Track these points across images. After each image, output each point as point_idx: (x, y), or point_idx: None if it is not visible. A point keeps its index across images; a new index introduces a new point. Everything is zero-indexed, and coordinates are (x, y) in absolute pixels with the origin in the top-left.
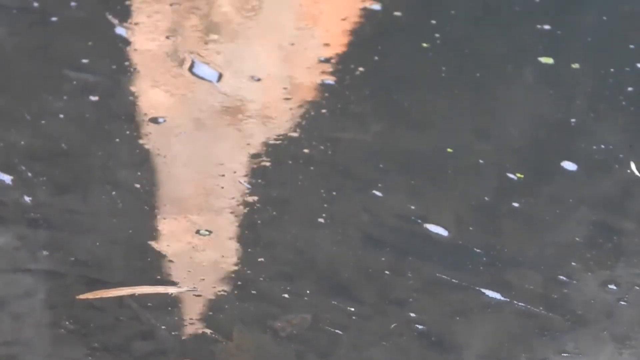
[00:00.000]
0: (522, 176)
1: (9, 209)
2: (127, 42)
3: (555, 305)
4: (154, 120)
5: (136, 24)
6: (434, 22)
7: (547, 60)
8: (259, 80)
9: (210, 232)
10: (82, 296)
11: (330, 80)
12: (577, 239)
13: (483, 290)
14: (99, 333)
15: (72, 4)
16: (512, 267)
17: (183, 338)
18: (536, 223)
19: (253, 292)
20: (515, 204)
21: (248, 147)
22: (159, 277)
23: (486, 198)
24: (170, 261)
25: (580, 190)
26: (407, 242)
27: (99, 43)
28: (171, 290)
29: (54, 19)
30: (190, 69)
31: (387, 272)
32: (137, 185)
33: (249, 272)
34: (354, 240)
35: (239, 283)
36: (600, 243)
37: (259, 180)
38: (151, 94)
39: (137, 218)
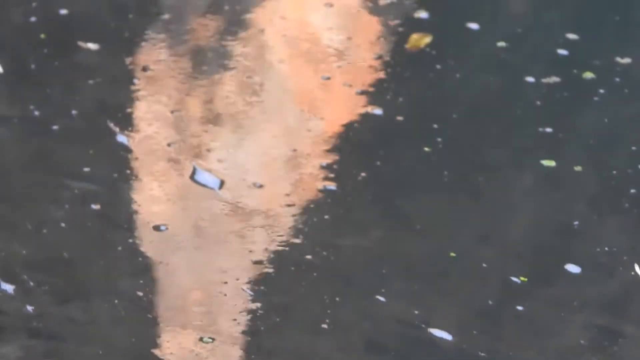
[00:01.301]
0: (525, 279)
1: (11, 319)
2: (128, 150)
3: None
4: (156, 228)
5: (137, 131)
6: (435, 126)
7: (550, 163)
8: (261, 186)
9: (213, 339)
10: None
11: (331, 186)
12: (581, 342)
13: None
14: None
15: (73, 112)
16: None
17: None
18: (540, 326)
19: None
20: (519, 308)
21: (250, 254)
22: None
23: (490, 302)
24: None
25: (584, 293)
26: (411, 347)
27: (100, 151)
28: None
29: (55, 127)
30: (192, 176)
31: None
32: (140, 294)
33: None
34: (357, 346)
35: None
36: (605, 346)
37: (262, 287)
38: (153, 202)
39: (140, 327)
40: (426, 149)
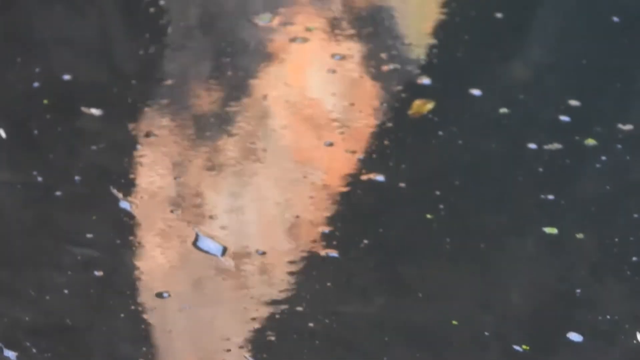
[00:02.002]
0: (527, 348)
1: None
2: (131, 217)
3: None
4: (159, 294)
5: (140, 198)
6: (437, 193)
7: (551, 230)
8: (263, 253)
9: None
10: None
11: (334, 253)
12: None
13: None
14: None
15: (76, 178)
16: None
17: None
18: None
19: None
20: None
21: (253, 321)
22: None
23: None
24: None
25: None
26: None
27: (102, 217)
28: None
29: (57, 193)
30: (195, 242)
31: None
32: None
33: None
34: None
35: None
36: None
37: (265, 355)
38: (155, 269)
39: None
40: (428, 215)
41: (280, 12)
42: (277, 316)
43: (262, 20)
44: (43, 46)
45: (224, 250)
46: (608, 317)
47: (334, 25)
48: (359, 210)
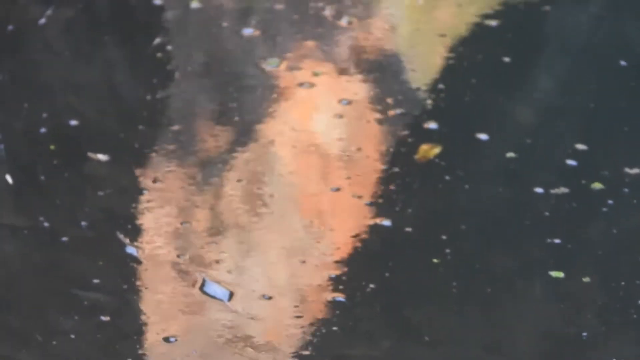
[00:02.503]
0: None
1: None
2: (137, 261)
3: None
4: (166, 339)
5: (147, 243)
6: (444, 237)
7: (558, 274)
8: (270, 298)
9: None
10: None
11: (340, 297)
12: None
13: None
14: None
15: (83, 223)
16: None
17: None
18: None
19: None
20: None
21: None
22: None
23: None
24: None
25: None
26: None
27: (109, 262)
28: None
29: (64, 238)
30: (201, 287)
31: None
32: None
33: None
34: None
35: None
36: None
37: None
38: (162, 313)
39: None
40: (435, 260)
41: (287, 56)
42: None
43: (270, 65)
44: (50, 92)
45: (231, 295)
46: (614, 359)
47: (341, 70)
48: (366, 254)
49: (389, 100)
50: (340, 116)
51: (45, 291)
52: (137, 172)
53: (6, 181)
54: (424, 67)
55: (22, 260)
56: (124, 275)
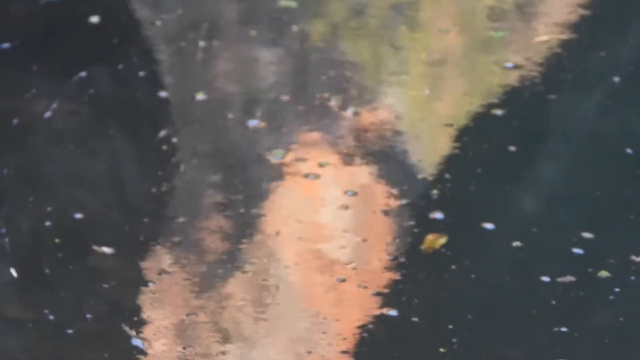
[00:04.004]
0: None
1: None
2: (143, 354)
3: None
4: None
5: (152, 335)
6: (451, 326)
7: None
8: None
9: None
10: None
11: None
12: None
13: None
14: None
15: (88, 316)
16: None
17: None
18: None
19: None
20: None
21: None
22: None
23: None
24: None
25: None
26: None
27: (115, 355)
28: None
29: (69, 331)
30: None
31: None
32: None
33: None
34: None
35: None
36: None
37: None
38: None
39: None
40: (441, 349)
41: (292, 147)
42: None
43: (275, 156)
44: (55, 185)
45: None
46: None
47: (346, 161)
48: (372, 344)
49: (395, 191)
50: (346, 207)
51: None
52: (142, 264)
53: (11, 274)
54: (429, 157)
55: (27, 354)
56: None
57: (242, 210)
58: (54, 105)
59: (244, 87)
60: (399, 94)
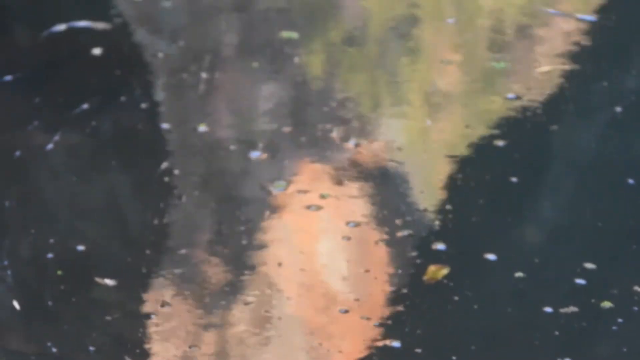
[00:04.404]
0: None
1: None
2: None
3: None
4: None
5: None
6: (454, 358)
7: None
8: None
9: None
10: None
11: None
12: None
13: None
14: None
15: (91, 348)
16: None
17: None
18: None
19: None
20: None
21: None
22: None
23: None
24: None
25: None
26: None
27: None
28: None
29: None
30: None
31: None
32: None
33: None
34: None
35: None
36: None
37: None
38: None
39: None
40: None
41: (294, 179)
42: None
43: (276, 188)
44: (56, 217)
45: None
46: None
47: (348, 192)
48: None
49: (397, 222)
50: (348, 238)
51: None
52: (145, 296)
53: (13, 307)
54: (431, 188)
55: None
56: None
57: (244, 242)
58: (56, 138)
59: (246, 119)
60: (400, 125)
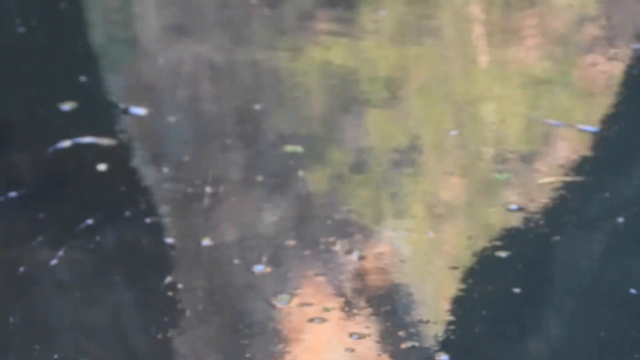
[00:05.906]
0: None
1: None
2: None
3: None
4: None
5: None
6: None
7: None
8: None
9: None
10: None
11: None
12: None
13: None
14: None
15: None
16: None
17: None
18: None
19: None
20: None
21: None
22: None
23: None
24: None
25: None
26: None
27: None
28: None
29: None
30: None
31: None
32: None
33: None
34: None
35: None
36: None
37: None
38: None
39: None
40: None
41: (298, 292)
42: None
43: (280, 301)
44: (60, 333)
45: None
46: None
47: (351, 305)
48: None
49: (401, 334)
50: (352, 350)
51: None
52: None
53: None
54: (434, 299)
55: None
56: None
57: (247, 356)
58: (60, 253)
59: (250, 233)
60: (403, 237)
